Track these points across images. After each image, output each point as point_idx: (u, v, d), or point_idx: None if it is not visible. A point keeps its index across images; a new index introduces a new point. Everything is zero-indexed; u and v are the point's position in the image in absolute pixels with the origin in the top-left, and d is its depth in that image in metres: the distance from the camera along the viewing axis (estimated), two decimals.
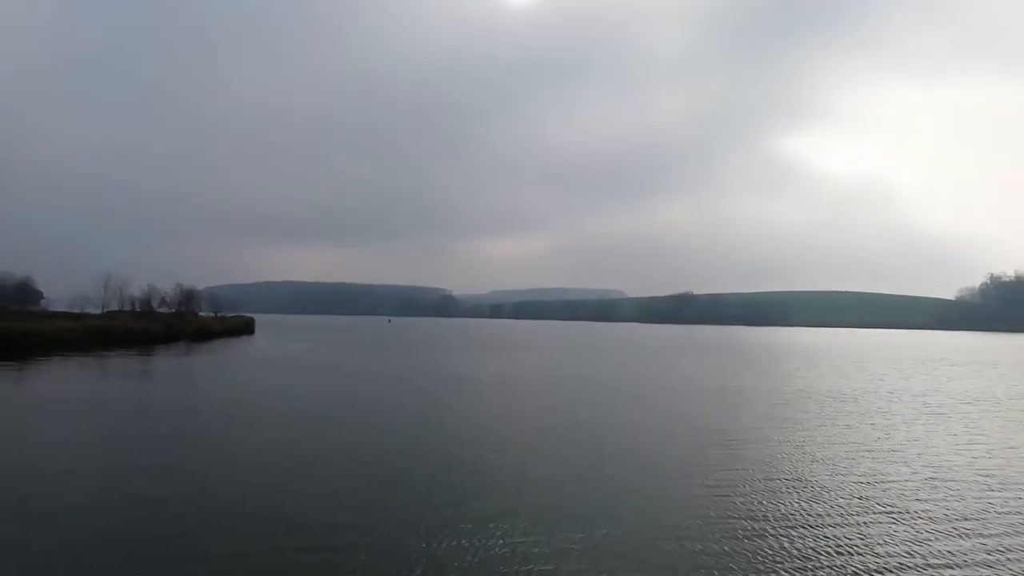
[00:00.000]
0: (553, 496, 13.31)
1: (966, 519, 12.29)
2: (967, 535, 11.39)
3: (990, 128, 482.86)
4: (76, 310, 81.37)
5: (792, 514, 12.38)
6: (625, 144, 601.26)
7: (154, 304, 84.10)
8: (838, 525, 11.76)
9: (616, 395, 31.60)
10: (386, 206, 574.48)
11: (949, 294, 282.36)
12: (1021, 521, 12.25)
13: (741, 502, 13.12)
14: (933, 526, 11.83)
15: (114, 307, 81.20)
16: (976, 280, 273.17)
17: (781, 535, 11.15)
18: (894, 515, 12.43)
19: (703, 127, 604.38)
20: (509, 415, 24.96)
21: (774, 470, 15.98)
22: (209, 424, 21.19)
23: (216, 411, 23.88)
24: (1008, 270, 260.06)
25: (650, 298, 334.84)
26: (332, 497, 12.96)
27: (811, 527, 11.63)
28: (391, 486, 13.96)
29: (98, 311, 79.24)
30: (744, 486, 14.36)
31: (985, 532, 11.56)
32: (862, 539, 11.04)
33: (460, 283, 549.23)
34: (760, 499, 13.36)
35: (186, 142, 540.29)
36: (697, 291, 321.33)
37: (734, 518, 12.05)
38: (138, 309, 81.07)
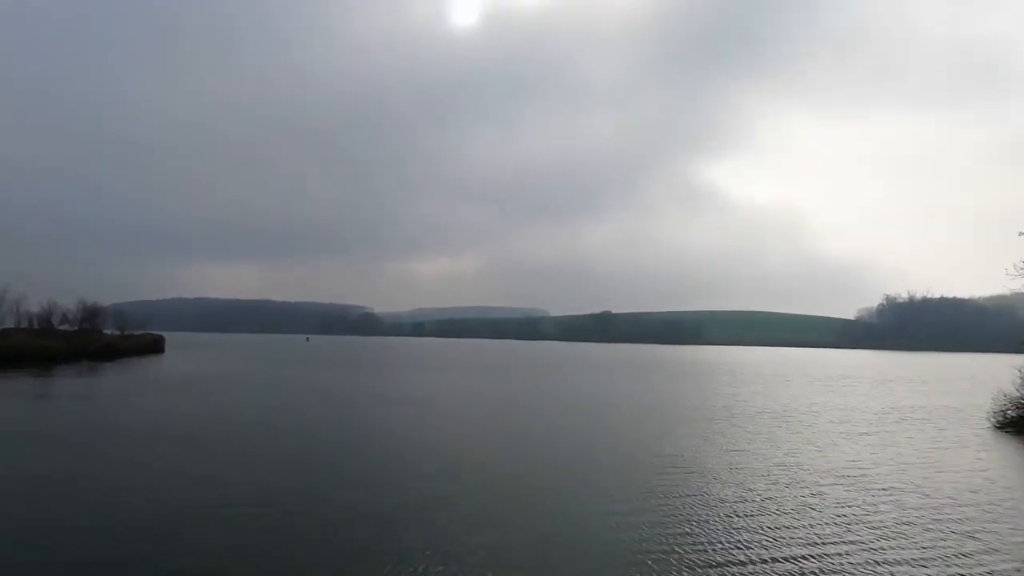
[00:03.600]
0: (495, 529, 13.04)
1: (907, 527, 12.89)
2: (914, 542, 11.93)
3: (891, 161, 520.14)
4: None
5: (737, 527, 12.63)
6: (555, 165, 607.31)
7: (54, 321, 78.26)
8: (786, 534, 12.09)
9: (548, 415, 31.61)
10: (307, 223, 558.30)
11: (850, 314, 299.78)
12: (959, 528, 12.97)
13: (686, 520, 13.30)
14: (880, 532, 12.36)
15: (9, 324, 75.15)
16: (874, 301, 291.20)
17: (729, 549, 11.34)
18: (838, 525, 12.90)
19: (631, 153, 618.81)
20: (442, 438, 24.48)
21: (717, 485, 16.31)
22: (109, 450, 19.68)
23: (119, 435, 22.25)
24: (902, 292, 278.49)
25: (572, 316, 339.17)
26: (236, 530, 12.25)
27: (757, 538, 11.90)
28: (303, 519, 13.34)
29: None
30: (687, 502, 14.62)
31: (928, 539, 12.15)
32: (812, 548, 11.35)
33: (383, 301, 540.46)
34: (705, 515, 13.60)
35: (91, 149, 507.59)
36: (616, 310, 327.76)
37: (681, 539, 12.18)
38: (36, 326, 75.29)
